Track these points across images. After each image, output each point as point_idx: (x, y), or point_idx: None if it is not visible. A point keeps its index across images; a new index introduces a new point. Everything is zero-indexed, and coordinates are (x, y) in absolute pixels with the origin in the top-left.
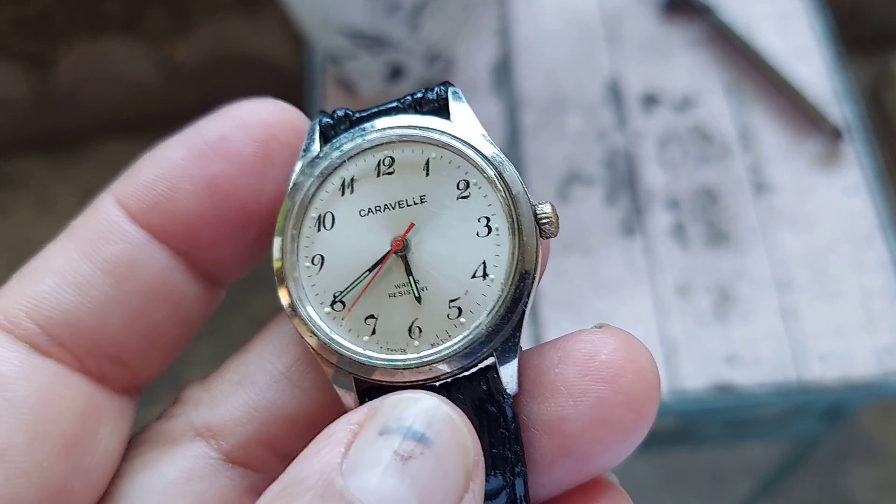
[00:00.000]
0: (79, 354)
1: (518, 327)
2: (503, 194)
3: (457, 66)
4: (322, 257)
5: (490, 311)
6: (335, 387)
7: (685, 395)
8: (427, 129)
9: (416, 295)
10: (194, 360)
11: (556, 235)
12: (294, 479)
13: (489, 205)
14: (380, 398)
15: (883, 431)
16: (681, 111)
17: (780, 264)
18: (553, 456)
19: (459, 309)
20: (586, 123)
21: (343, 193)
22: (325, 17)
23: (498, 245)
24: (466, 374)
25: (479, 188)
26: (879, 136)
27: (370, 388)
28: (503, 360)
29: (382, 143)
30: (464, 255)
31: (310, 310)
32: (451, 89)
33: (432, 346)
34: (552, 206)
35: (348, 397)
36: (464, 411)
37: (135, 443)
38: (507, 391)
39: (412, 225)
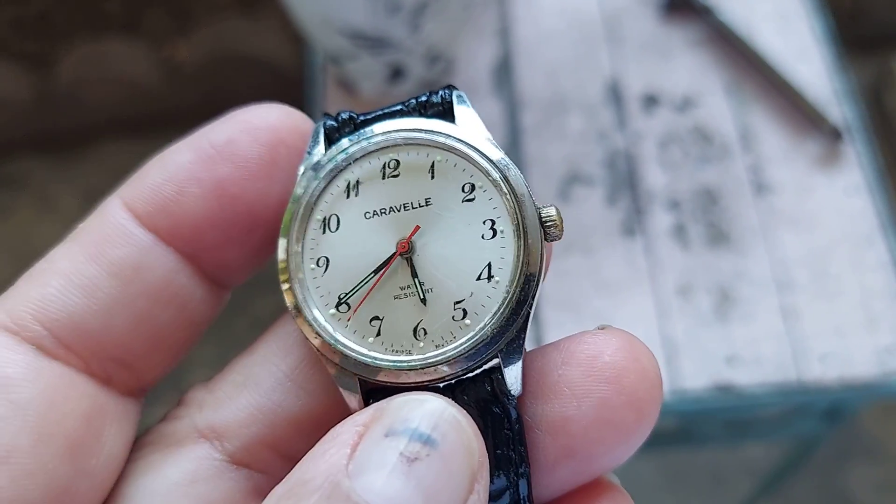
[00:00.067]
0: (84, 356)
1: (523, 329)
2: (508, 197)
3: (457, 66)
4: (327, 259)
5: (495, 313)
6: (339, 388)
7: (686, 395)
8: (432, 132)
9: (422, 297)
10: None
11: (560, 238)
12: (300, 480)
13: (494, 208)
14: (385, 400)
15: (883, 431)
16: (681, 112)
17: (781, 264)
18: (557, 456)
19: (465, 311)
20: (587, 124)
21: (348, 196)
22: (326, 17)
23: (503, 248)
24: (471, 375)
25: (485, 191)
26: (879, 136)
27: (375, 390)
28: (508, 361)
29: (388, 146)
30: (469, 258)
31: (315, 311)
32: (455, 93)
33: (437, 347)
34: (556, 209)
35: (352, 399)
36: (468, 412)
37: (138, 445)
38: (512, 392)
39: (418, 227)
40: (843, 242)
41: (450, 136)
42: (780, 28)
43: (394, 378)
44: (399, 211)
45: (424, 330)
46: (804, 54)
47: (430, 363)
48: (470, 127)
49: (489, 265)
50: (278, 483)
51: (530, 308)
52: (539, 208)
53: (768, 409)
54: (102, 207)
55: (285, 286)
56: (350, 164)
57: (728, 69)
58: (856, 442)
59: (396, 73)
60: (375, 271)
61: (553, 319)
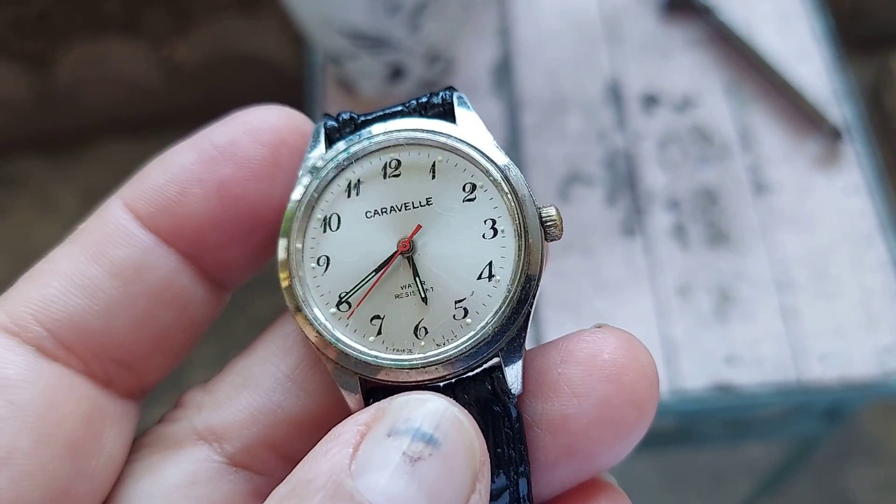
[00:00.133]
0: (85, 357)
1: (523, 328)
2: (509, 197)
3: (457, 66)
4: (327, 258)
5: (496, 312)
6: (339, 388)
7: (685, 395)
8: (433, 132)
9: (423, 296)
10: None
11: (560, 238)
12: (302, 480)
13: (495, 207)
14: (387, 399)
15: (883, 431)
16: (681, 111)
17: (780, 264)
18: (557, 455)
19: (465, 310)
20: (586, 124)
21: (349, 195)
22: (326, 17)
23: (503, 247)
24: (471, 374)
25: (485, 191)
26: (879, 136)
27: (375, 389)
28: (508, 360)
29: (389, 146)
30: (470, 257)
31: (315, 310)
32: (456, 94)
33: (438, 346)
34: (556, 209)
35: (352, 399)
36: (468, 411)
37: (136, 446)
38: (512, 391)
39: (419, 227)
40: (843, 242)
41: (451, 136)
42: (779, 28)
43: (394, 377)
44: (400, 210)
45: (425, 329)
46: (804, 54)
47: (431, 362)
48: (473, 130)
49: (490, 264)
50: (278, 485)
51: (531, 307)
52: (539, 208)
53: (768, 409)
54: (103, 208)
55: (285, 285)
56: (351, 163)
57: (728, 69)
58: (856, 442)
59: (396, 73)
60: (376, 270)
61: (553, 319)
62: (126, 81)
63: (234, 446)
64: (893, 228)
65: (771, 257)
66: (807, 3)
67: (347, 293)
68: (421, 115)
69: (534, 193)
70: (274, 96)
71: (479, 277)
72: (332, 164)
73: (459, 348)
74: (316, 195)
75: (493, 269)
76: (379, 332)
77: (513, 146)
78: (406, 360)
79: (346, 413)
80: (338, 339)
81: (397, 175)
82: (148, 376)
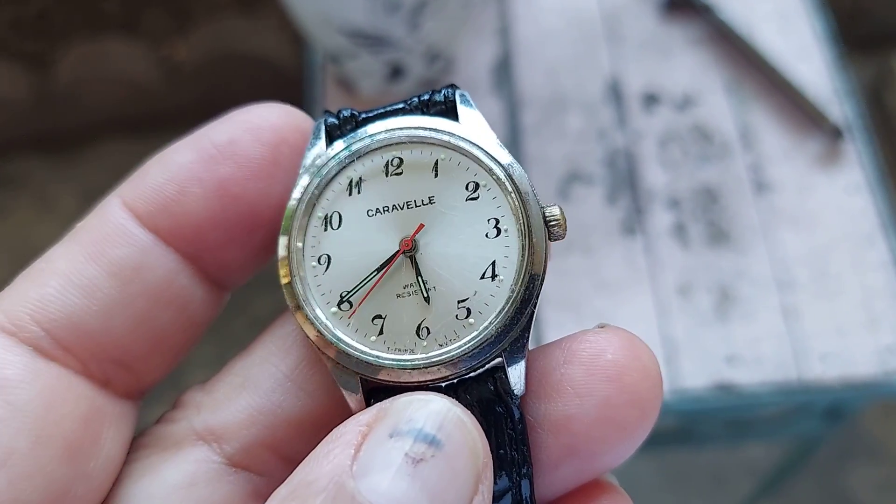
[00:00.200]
0: (83, 358)
1: (527, 328)
2: (512, 196)
3: (457, 65)
4: (329, 257)
5: (499, 312)
6: (340, 388)
7: (686, 395)
8: (436, 130)
9: (425, 295)
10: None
11: (563, 237)
12: (303, 481)
13: (498, 206)
14: (389, 399)
15: (884, 431)
16: (681, 110)
17: (781, 264)
18: (559, 456)
19: (468, 310)
20: (587, 123)
21: (350, 193)
22: (325, 16)
23: (507, 246)
24: (473, 374)
25: (489, 190)
26: (880, 135)
27: (376, 389)
28: (511, 360)
29: (391, 144)
30: (473, 256)
31: (316, 310)
32: (458, 92)
33: (441, 346)
34: (560, 208)
35: (353, 399)
36: (470, 412)
37: (134, 447)
38: (515, 392)
39: (422, 225)
40: (844, 241)
41: (453, 134)
42: (780, 27)
43: (395, 377)
44: (402, 209)
45: (427, 329)
46: (804, 53)
47: (433, 362)
48: (476, 128)
49: (493, 264)
50: (278, 486)
51: (534, 307)
52: (543, 207)
53: (769, 408)
54: (102, 207)
55: (285, 282)
56: (352, 161)
57: (728, 68)
58: (857, 442)
59: (396, 72)
60: (378, 269)
61: (553, 319)
62: (126, 81)
63: (234, 447)
64: (894, 227)
65: (772, 256)
66: (807, 1)
67: (349, 292)
68: (423, 113)
69: (537, 192)
70: (273, 96)
71: (483, 277)
72: (333, 162)
73: (462, 348)
74: (317, 193)
75: (496, 269)
76: (381, 332)
77: (513, 145)
78: (408, 361)
79: (347, 414)
80: (339, 339)
81: (399, 173)
82: (146, 376)
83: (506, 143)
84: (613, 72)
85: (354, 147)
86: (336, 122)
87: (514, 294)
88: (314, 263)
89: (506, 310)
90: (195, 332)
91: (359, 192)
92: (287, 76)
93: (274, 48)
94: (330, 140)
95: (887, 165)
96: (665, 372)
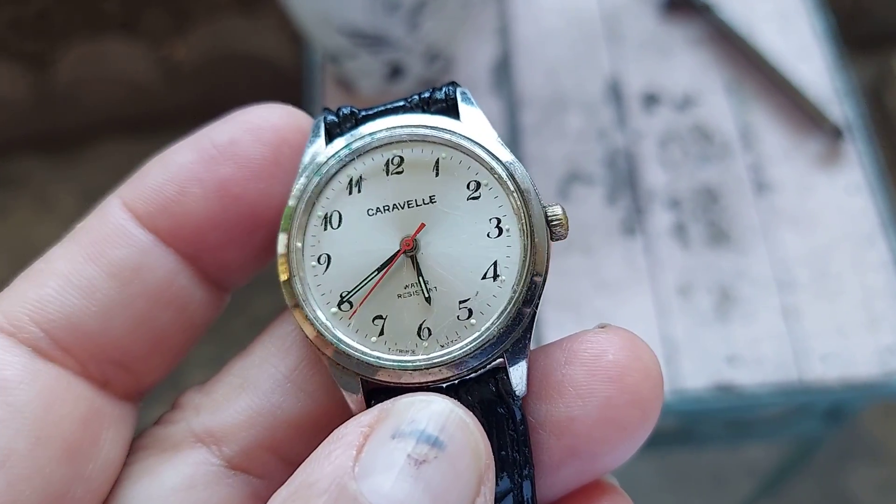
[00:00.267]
0: (82, 358)
1: (528, 329)
2: (514, 196)
3: (456, 65)
4: (328, 257)
5: (501, 313)
6: (340, 389)
7: (686, 395)
8: (437, 128)
9: (426, 296)
10: (194, 362)
11: (565, 237)
12: (305, 483)
13: (500, 206)
14: (391, 400)
15: (884, 432)
16: (681, 110)
17: (782, 264)
18: (561, 457)
19: (470, 310)
20: (587, 123)
21: (350, 192)
22: (325, 16)
23: (509, 246)
24: (474, 375)
25: (490, 189)
26: (880, 135)
27: (377, 390)
28: (513, 361)
29: (391, 142)
30: (474, 256)
31: (316, 310)
32: (459, 90)
33: (442, 347)
34: (562, 208)
35: (353, 400)
36: (472, 413)
37: (133, 448)
38: (517, 393)
39: (423, 225)
40: (844, 241)
41: (455, 132)
42: (780, 27)
43: (396, 378)
44: (403, 208)
45: (429, 329)
46: (805, 53)
47: (434, 363)
48: (477, 127)
49: (495, 264)
50: (278, 488)
51: (536, 308)
52: (545, 207)
53: (769, 409)
54: (102, 207)
55: (284, 279)
56: (353, 159)
57: (728, 68)
58: (857, 442)
59: (395, 72)
60: (379, 269)
61: (553, 319)
62: (125, 81)
63: (233, 449)
64: (894, 227)
65: (772, 256)
66: (807, 1)
67: (349, 292)
68: (424, 111)
69: (539, 192)
70: (273, 95)
71: (484, 277)
72: (333, 160)
73: (464, 349)
74: (316, 192)
75: (497, 269)
76: (381, 333)
77: (512, 145)
78: (409, 361)
79: (347, 415)
80: (339, 339)
81: (400, 172)
82: (146, 378)
83: (506, 143)
84: (613, 72)
85: (355, 145)
86: (336, 119)
87: (516, 294)
88: (314, 263)
89: (507, 310)
90: (195, 333)
91: (359, 191)
92: (286, 76)
93: (273, 48)
94: (330, 138)
95: (887, 165)
96: (665, 372)
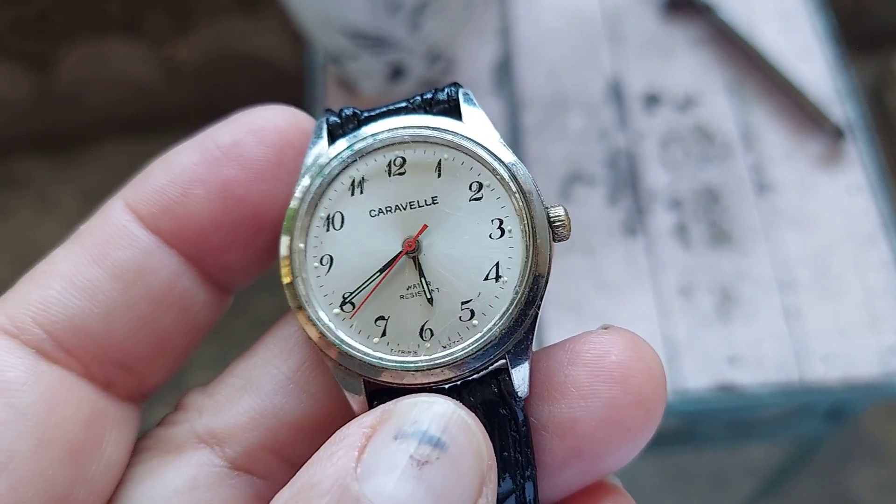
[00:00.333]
0: (85, 360)
1: (531, 330)
2: (516, 196)
3: (458, 65)
4: (331, 257)
5: (503, 314)
6: (343, 390)
7: (687, 396)
8: (439, 129)
9: (429, 296)
10: (197, 363)
11: (568, 238)
12: (307, 484)
13: (502, 207)
14: (393, 401)
15: (886, 432)
16: (682, 111)
17: (783, 264)
18: (564, 458)
19: (472, 311)
20: (588, 123)
21: (353, 193)
22: (326, 16)
23: (511, 247)
24: (477, 376)
25: (492, 190)
26: (881, 135)
27: (379, 391)
28: (515, 362)
29: (394, 143)
30: (476, 257)
31: (319, 311)
32: (461, 91)
33: (444, 348)
34: (565, 209)
35: (356, 401)
36: (474, 414)
37: (136, 449)
38: (519, 394)
39: (425, 226)
40: (846, 242)
41: (457, 133)
42: (781, 27)
43: (399, 379)
44: (405, 209)
45: (431, 330)
46: (806, 53)
47: (436, 364)
48: (479, 127)
49: (497, 265)
50: (281, 489)
51: (538, 309)
52: (547, 208)
53: (770, 409)
54: (105, 209)
55: (286, 281)
56: (355, 160)
57: (729, 68)
58: (858, 442)
59: (397, 73)
60: (381, 270)
61: (554, 319)
62: (127, 81)
63: (236, 450)
64: (895, 228)
65: (773, 257)
66: (808, 1)
67: (351, 293)
68: (426, 112)
69: (541, 193)
70: (274, 96)
71: (486, 278)
72: (335, 161)
73: (466, 350)
74: (319, 193)
75: (500, 270)
76: (383, 334)
77: (513, 146)
78: (411, 362)
79: (350, 416)
80: (341, 340)
81: (402, 173)
82: (149, 379)
83: (507, 143)
84: (614, 72)
85: (357, 146)
86: (338, 120)
87: (518, 295)
88: (316, 264)
89: (510, 311)
90: (197, 335)
91: (361, 192)
92: (288, 77)
93: (275, 49)
94: (332, 139)
95: (888, 165)
96: (666, 373)
